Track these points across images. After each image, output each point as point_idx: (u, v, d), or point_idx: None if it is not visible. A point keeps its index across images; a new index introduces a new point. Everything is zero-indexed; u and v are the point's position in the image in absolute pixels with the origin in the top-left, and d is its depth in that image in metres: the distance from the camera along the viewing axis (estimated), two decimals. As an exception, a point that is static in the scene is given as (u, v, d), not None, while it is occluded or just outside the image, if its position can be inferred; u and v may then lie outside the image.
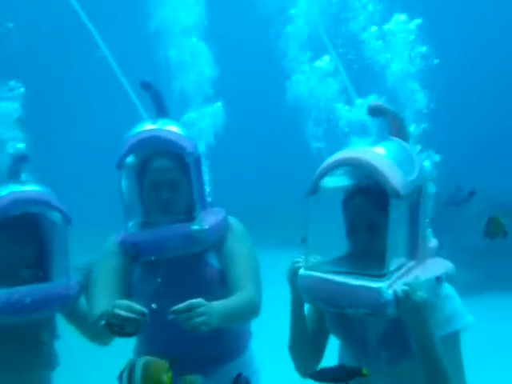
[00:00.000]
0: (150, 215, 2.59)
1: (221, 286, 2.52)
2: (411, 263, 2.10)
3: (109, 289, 2.49)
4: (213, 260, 2.55)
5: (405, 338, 2.05)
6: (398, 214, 2.00)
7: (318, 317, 2.29)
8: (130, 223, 2.60)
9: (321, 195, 2.12)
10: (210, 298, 2.25)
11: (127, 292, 2.54)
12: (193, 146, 2.58)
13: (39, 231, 2.61)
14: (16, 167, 2.68)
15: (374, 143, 2.15)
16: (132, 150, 2.54)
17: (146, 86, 2.70)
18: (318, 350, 2.31)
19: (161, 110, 2.72)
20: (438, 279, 2.09)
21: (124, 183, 2.58)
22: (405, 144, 2.22)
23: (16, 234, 2.51)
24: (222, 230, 2.58)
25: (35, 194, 2.54)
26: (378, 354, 2.13)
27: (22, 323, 2.42)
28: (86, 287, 2.59)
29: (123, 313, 2.08)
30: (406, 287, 1.92)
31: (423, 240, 2.18)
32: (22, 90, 2.89)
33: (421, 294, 1.92)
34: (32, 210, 2.53)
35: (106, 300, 2.38)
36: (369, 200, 2.11)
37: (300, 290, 2.11)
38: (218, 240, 2.56)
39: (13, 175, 2.66)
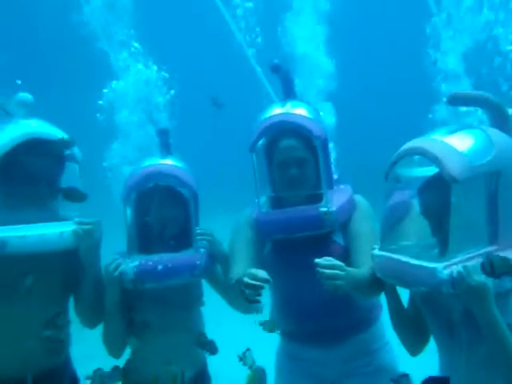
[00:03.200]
0: (278, 191, 2.74)
1: (346, 262, 2.61)
2: (490, 248, 2.12)
3: (244, 257, 2.67)
4: (339, 238, 2.67)
5: None
6: (460, 200, 2.06)
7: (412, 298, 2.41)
8: (262, 199, 2.77)
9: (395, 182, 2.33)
10: None
11: (260, 262, 2.71)
12: (320, 128, 2.66)
13: (181, 201, 2.77)
14: (163, 141, 2.92)
15: (451, 132, 2.20)
16: (262, 135, 2.69)
17: (276, 69, 2.81)
18: (420, 329, 2.40)
19: (289, 91, 2.81)
20: None
21: (256, 163, 2.73)
22: (487, 131, 2.20)
23: (165, 200, 2.73)
24: (348, 210, 2.67)
25: (166, 168, 2.75)
26: (460, 333, 2.21)
27: (167, 288, 2.65)
28: (214, 255, 2.72)
29: (250, 281, 2.26)
30: (461, 269, 1.99)
31: (507, 226, 2.17)
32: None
33: (477, 278, 1.97)
34: (163, 183, 2.73)
35: (241, 267, 2.58)
36: (435, 191, 2.20)
37: (375, 269, 2.34)
38: (344, 220, 2.65)
39: (161, 148, 2.91)
